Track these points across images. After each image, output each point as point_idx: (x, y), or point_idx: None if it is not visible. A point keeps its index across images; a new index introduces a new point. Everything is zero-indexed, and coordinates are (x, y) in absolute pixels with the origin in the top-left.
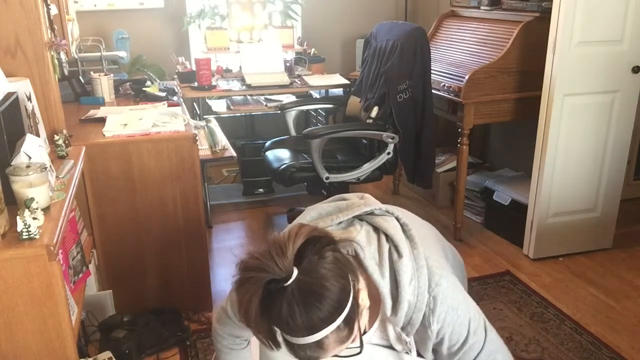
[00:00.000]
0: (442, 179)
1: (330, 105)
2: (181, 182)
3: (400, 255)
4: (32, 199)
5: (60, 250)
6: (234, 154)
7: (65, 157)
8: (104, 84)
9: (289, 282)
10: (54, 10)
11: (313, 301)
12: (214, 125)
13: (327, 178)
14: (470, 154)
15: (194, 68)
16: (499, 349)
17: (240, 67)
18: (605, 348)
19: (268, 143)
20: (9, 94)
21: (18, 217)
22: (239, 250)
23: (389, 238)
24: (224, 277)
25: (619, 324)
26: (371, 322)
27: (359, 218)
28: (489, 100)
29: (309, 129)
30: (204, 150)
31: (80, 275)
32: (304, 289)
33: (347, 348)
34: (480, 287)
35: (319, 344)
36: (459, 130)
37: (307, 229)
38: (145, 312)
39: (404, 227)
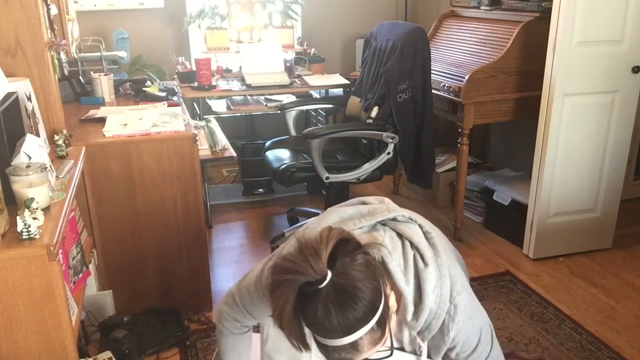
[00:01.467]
0: (442, 179)
1: (330, 105)
2: (181, 182)
3: (426, 264)
4: (32, 199)
5: (60, 250)
6: (234, 154)
7: (65, 157)
8: (104, 84)
9: (324, 284)
10: (54, 10)
11: (349, 302)
12: (214, 125)
13: (327, 178)
14: (470, 154)
15: (194, 68)
16: (500, 356)
17: (240, 67)
18: (605, 348)
19: (268, 143)
20: (9, 94)
21: (18, 217)
22: (239, 250)
23: (413, 245)
24: (224, 277)
25: (619, 324)
26: None
27: (382, 223)
28: (489, 100)
29: (309, 129)
30: (204, 150)
31: (80, 275)
32: (339, 290)
33: (377, 352)
34: (480, 287)
35: (354, 346)
36: (459, 130)
37: (337, 231)
38: (145, 312)
39: (426, 235)
